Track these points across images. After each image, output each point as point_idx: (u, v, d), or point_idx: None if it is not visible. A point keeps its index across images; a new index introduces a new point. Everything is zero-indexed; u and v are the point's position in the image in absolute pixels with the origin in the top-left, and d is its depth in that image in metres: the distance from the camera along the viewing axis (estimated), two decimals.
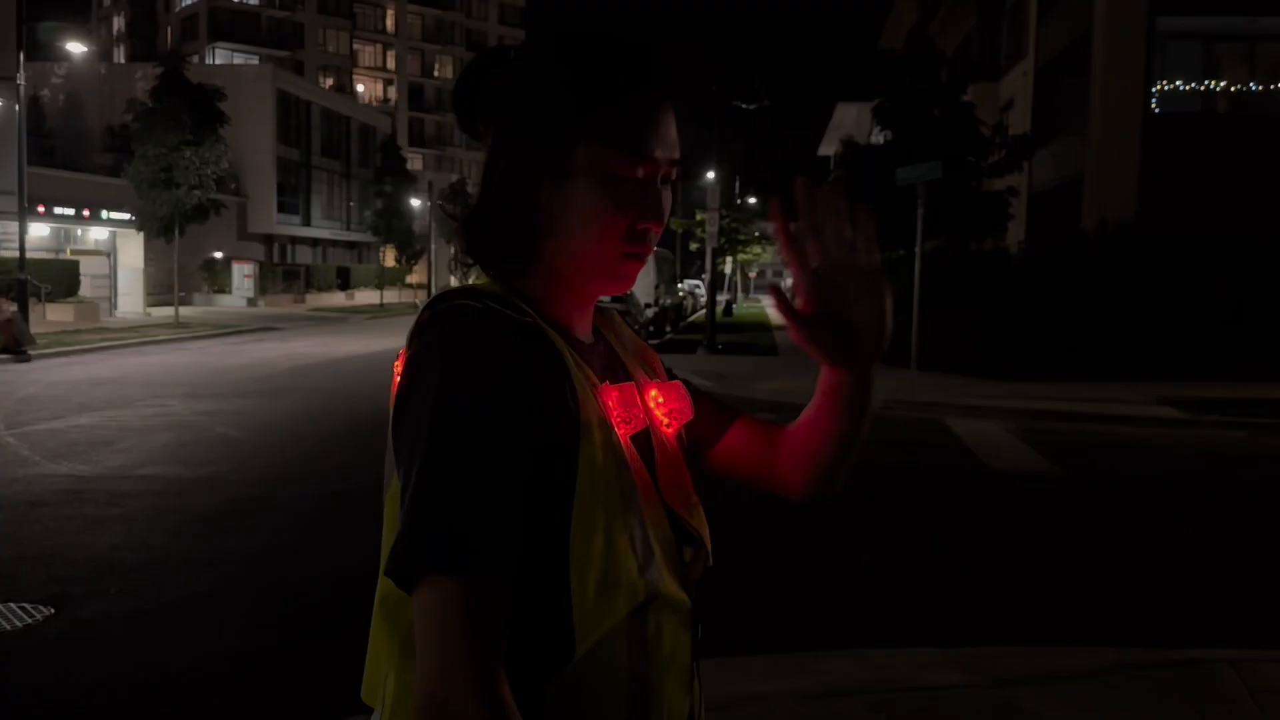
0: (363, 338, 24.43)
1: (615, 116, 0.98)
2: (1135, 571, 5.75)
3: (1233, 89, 20.07)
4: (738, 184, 44.26)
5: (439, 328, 0.95)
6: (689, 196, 46.51)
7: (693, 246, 44.78)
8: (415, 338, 0.97)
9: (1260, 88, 19.80)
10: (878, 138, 29.32)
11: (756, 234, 46.03)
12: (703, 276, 56.81)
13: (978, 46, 30.22)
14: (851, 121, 39.98)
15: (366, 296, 46.24)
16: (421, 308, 1.00)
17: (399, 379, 0.96)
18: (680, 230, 42.54)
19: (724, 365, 16.97)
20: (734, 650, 3.89)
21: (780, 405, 12.71)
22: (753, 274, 67.43)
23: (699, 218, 42.98)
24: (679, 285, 40.60)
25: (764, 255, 50.17)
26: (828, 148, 44.68)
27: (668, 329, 25.18)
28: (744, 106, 23.25)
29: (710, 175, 38.41)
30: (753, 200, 46.56)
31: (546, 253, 1.03)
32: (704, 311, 34.53)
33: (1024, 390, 13.22)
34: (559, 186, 1.00)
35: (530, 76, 1.02)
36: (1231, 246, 14.96)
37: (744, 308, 44.33)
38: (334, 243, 52.52)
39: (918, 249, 13.60)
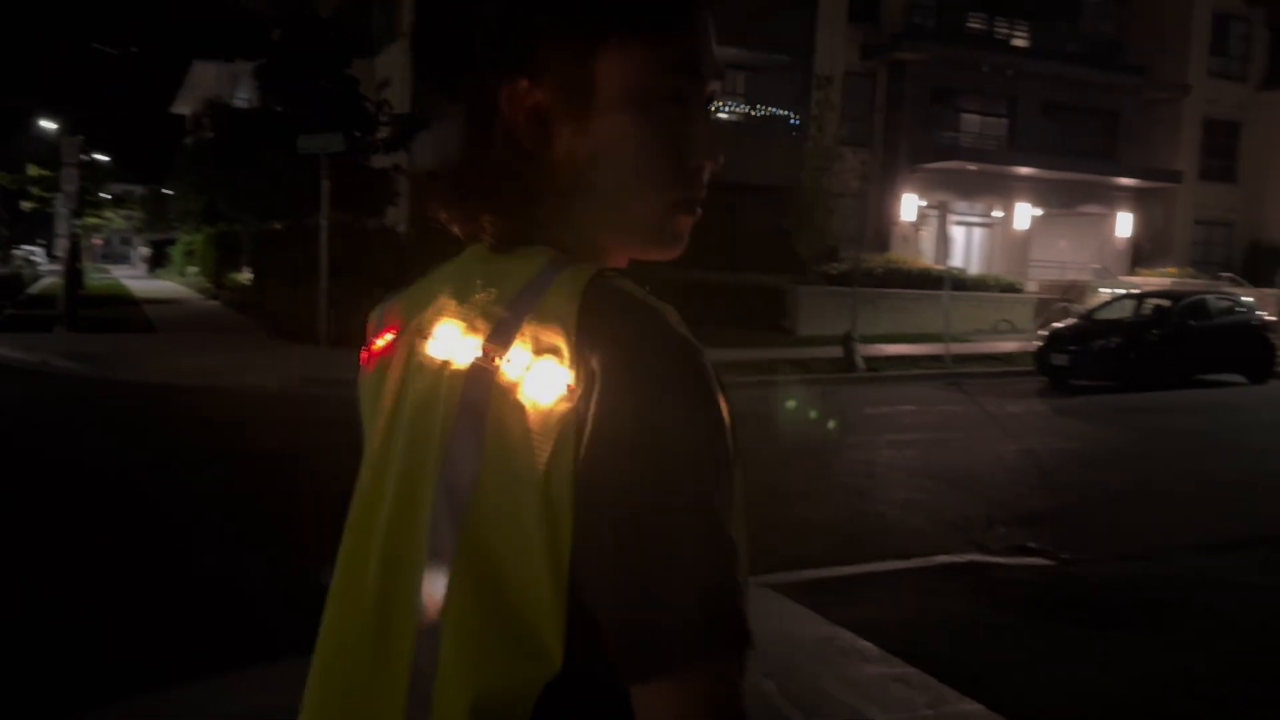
0: None
1: (644, 17, 0.77)
2: None
3: None
4: (83, 139, 39.00)
5: (633, 321, 0.71)
6: (16, 147, 39.79)
7: (25, 205, 38.46)
8: (593, 330, 0.71)
9: None
10: (241, 101, 27.92)
11: (107, 196, 41.00)
12: (40, 242, 49.10)
13: (350, 19, 30.15)
14: (211, 80, 37.59)
15: None
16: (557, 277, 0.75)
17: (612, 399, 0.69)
18: (14, 188, 36.16)
19: (96, 345, 14.86)
20: None
21: (175, 387, 11.71)
22: (98, 241, 59.87)
23: (33, 172, 37.04)
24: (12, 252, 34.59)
25: (116, 220, 44.86)
26: (183, 106, 41.47)
27: (5, 304, 21.31)
28: (107, 51, 20.56)
29: (53, 125, 33.38)
30: (104, 158, 41.32)
31: (575, 217, 0.81)
32: (47, 282, 29.88)
33: None
34: (581, 125, 0.78)
35: None
36: None
37: (95, 279, 39.31)
38: None
39: (323, 221, 13.22)
